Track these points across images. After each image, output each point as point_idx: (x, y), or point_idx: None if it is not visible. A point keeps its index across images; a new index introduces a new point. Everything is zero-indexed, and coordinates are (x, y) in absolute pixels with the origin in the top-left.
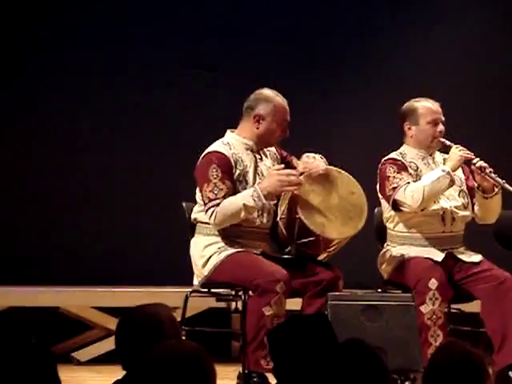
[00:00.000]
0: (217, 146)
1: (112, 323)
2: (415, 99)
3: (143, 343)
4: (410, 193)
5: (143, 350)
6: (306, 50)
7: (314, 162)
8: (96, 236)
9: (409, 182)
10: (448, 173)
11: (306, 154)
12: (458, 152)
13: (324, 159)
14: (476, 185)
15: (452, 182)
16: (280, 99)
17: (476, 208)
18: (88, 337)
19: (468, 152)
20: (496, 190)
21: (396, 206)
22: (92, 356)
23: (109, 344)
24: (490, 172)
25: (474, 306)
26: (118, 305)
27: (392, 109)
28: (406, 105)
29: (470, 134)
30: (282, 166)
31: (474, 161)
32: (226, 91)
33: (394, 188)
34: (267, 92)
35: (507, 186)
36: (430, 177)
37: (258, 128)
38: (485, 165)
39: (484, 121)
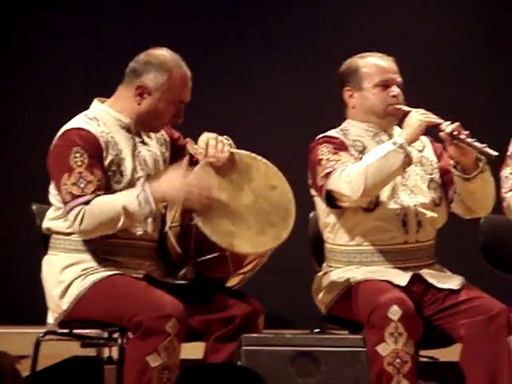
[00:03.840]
0: (79, 121)
1: None
2: (359, 55)
3: None
4: (346, 178)
5: None
6: None
7: (211, 145)
8: None
9: (348, 165)
10: (401, 146)
11: (206, 134)
12: (417, 116)
13: (231, 141)
14: (452, 163)
15: (408, 159)
16: (181, 71)
17: (457, 198)
18: None
19: (432, 115)
20: (481, 165)
21: (332, 200)
22: None
23: None
24: (467, 136)
25: (453, 353)
26: None
27: (332, 72)
28: (346, 63)
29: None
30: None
31: (443, 126)
32: (96, 42)
33: (328, 174)
34: (165, 56)
35: (490, 150)
36: (376, 153)
37: (139, 104)
38: (458, 128)
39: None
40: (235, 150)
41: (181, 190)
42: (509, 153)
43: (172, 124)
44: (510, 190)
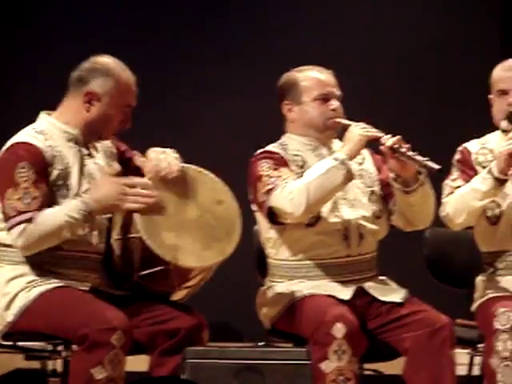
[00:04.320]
0: (26, 136)
1: None
2: (297, 68)
3: None
4: (288, 195)
5: None
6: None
7: (164, 158)
8: None
9: (288, 181)
10: (342, 161)
11: (153, 149)
12: (357, 130)
13: (178, 156)
14: (392, 176)
15: (349, 174)
16: (126, 75)
17: (397, 211)
18: None
19: (373, 129)
20: (421, 178)
21: (274, 217)
22: None
23: None
24: (408, 150)
25: (396, 366)
26: None
27: (272, 86)
28: (284, 77)
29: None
30: (116, 168)
31: (383, 140)
32: (41, 54)
33: (269, 190)
34: (109, 62)
35: (431, 163)
36: (317, 169)
37: (88, 111)
38: (399, 142)
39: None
40: (182, 164)
41: (115, 192)
42: (453, 162)
43: (118, 130)
44: (446, 196)
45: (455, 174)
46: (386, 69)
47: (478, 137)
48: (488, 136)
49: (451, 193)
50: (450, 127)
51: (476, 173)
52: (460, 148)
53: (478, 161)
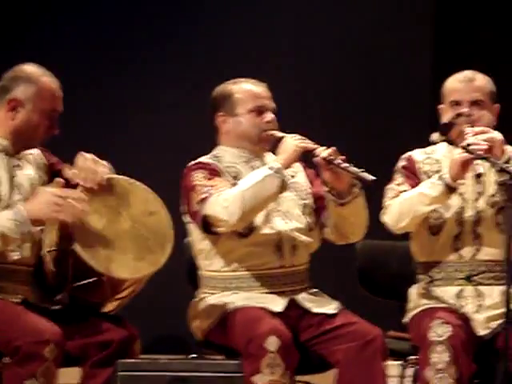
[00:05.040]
0: None
1: None
2: (232, 80)
3: None
4: (223, 202)
5: None
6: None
7: (91, 166)
8: None
9: (223, 190)
10: (278, 170)
11: (81, 154)
12: (292, 141)
13: (108, 165)
14: (326, 189)
15: (284, 184)
16: (48, 80)
17: (329, 223)
18: None
19: (307, 141)
20: (355, 190)
21: (209, 226)
22: None
23: None
24: (342, 161)
25: (328, 378)
26: None
27: (205, 97)
28: (219, 89)
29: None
30: (61, 181)
31: (317, 151)
32: None
33: (204, 199)
34: (31, 69)
35: (366, 174)
36: (252, 178)
37: (13, 119)
38: (334, 153)
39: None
40: (113, 176)
41: (48, 202)
42: (397, 168)
43: (47, 137)
44: (390, 199)
45: (400, 179)
46: (318, 81)
47: (421, 147)
48: (434, 146)
49: (396, 196)
50: (383, 139)
51: (420, 181)
52: (405, 155)
53: (424, 170)
